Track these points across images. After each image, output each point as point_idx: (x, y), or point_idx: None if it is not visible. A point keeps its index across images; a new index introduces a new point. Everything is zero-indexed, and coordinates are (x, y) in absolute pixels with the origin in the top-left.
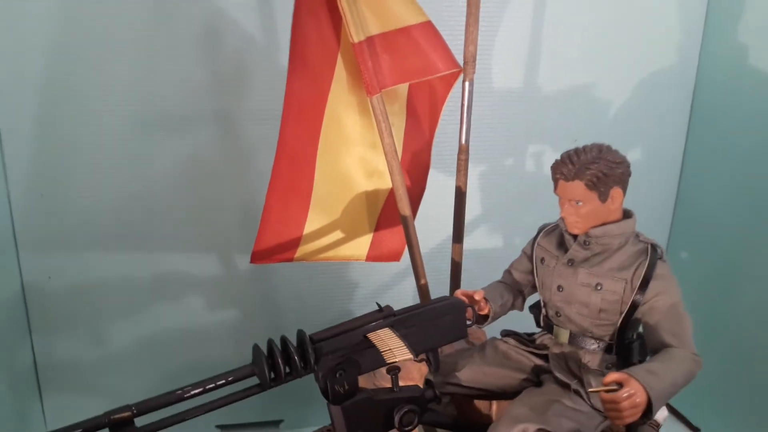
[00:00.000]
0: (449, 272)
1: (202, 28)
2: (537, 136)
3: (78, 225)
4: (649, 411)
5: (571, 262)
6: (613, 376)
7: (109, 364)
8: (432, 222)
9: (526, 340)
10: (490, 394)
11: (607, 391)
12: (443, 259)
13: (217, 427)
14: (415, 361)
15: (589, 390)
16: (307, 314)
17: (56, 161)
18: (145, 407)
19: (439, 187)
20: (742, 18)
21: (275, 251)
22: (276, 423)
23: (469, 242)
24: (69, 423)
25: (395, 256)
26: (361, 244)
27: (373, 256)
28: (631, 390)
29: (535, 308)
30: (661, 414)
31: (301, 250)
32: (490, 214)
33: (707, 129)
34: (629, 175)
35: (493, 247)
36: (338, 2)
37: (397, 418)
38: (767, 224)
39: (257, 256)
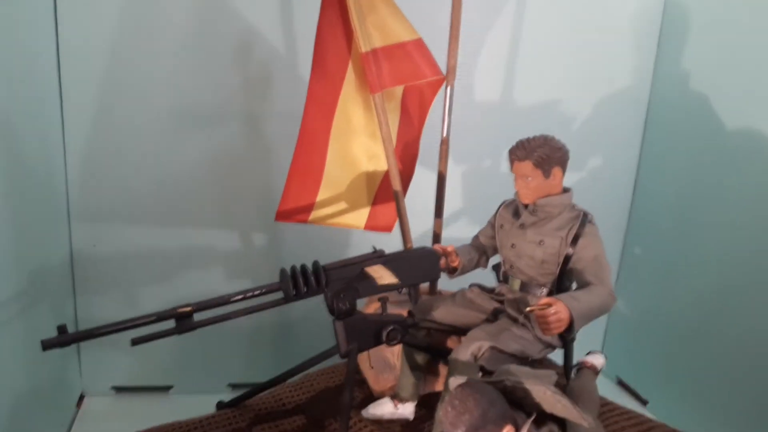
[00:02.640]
0: (431, 243)
1: (235, 42)
2: (509, 143)
3: (122, 202)
4: (571, 326)
5: (522, 226)
6: (544, 299)
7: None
8: (418, 200)
9: (487, 289)
10: (457, 330)
11: (540, 310)
12: (426, 233)
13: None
14: (398, 293)
15: (527, 309)
16: None
17: (108, 148)
18: (201, 305)
19: (426, 172)
20: (690, 42)
21: (294, 213)
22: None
23: (449, 232)
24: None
25: (388, 228)
26: (361, 215)
27: (370, 226)
28: (558, 309)
29: (496, 267)
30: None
31: (314, 214)
32: (466, 208)
33: (659, 139)
34: (567, 158)
35: (468, 237)
36: (351, 20)
37: (384, 334)
38: (711, 223)
39: (280, 216)
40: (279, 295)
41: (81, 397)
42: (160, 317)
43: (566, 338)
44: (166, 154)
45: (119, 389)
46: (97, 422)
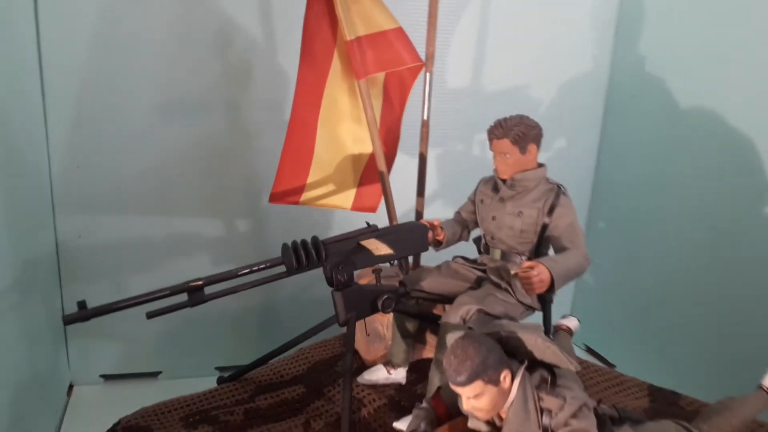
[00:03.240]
0: (413, 218)
1: (216, 32)
2: (482, 126)
3: (106, 192)
4: (552, 286)
5: (501, 199)
6: (527, 263)
7: (127, 313)
8: (399, 180)
9: (470, 260)
10: (444, 299)
11: (524, 272)
12: (407, 212)
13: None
14: (390, 265)
15: (512, 272)
16: None
17: (90, 138)
18: (211, 279)
19: (405, 154)
20: (645, 30)
21: (286, 195)
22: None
23: (429, 210)
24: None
25: (372, 209)
26: (348, 196)
27: (356, 207)
28: (539, 270)
29: (477, 240)
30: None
31: (304, 195)
32: (443, 188)
33: (618, 120)
34: (541, 136)
35: (447, 214)
36: (336, 10)
37: (379, 303)
38: (667, 198)
39: (274, 198)
40: (282, 268)
41: (70, 387)
42: (174, 291)
43: (546, 299)
44: (149, 143)
45: (108, 377)
46: (88, 410)
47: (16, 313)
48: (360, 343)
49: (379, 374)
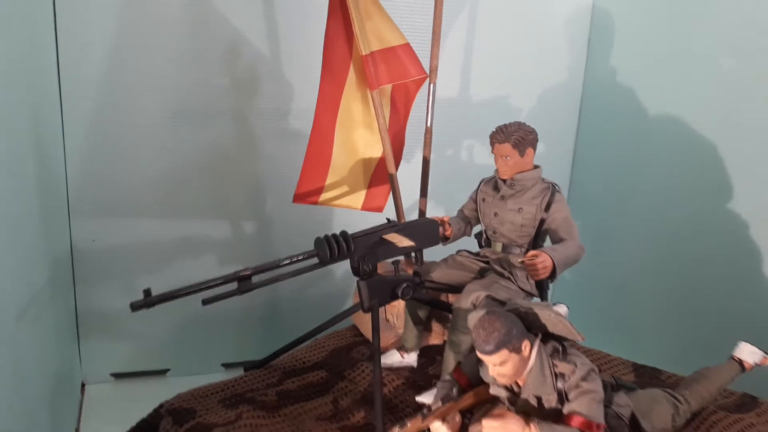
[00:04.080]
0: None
1: (225, 46)
2: (470, 133)
3: (119, 197)
4: (554, 272)
5: (502, 197)
6: (532, 252)
7: (138, 313)
8: (401, 182)
9: (473, 253)
10: (452, 288)
11: (530, 260)
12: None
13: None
14: (407, 257)
15: (519, 260)
16: None
17: (105, 146)
18: (257, 269)
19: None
20: (616, 43)
21: (307, 196)
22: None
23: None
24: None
25: (380, 209)
26: (359, 197)
27: (366, 207)
28: (543, 258)
29: (478, 235)
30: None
31: (323, 196)
32: (436, 192)
33: (592, 126)
34: (537, 140)
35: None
36: (353, 27)
37: (399, 291)
38: (637, 202)
39: (297, 198)
40: (314, 260)
41: (82, 385)
42: (226, 280)
43: (543, 286)
44: (161, 150)
45: (118, 375)
46: (102, 408)
47: (34, 313)
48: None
49: (393, 358)
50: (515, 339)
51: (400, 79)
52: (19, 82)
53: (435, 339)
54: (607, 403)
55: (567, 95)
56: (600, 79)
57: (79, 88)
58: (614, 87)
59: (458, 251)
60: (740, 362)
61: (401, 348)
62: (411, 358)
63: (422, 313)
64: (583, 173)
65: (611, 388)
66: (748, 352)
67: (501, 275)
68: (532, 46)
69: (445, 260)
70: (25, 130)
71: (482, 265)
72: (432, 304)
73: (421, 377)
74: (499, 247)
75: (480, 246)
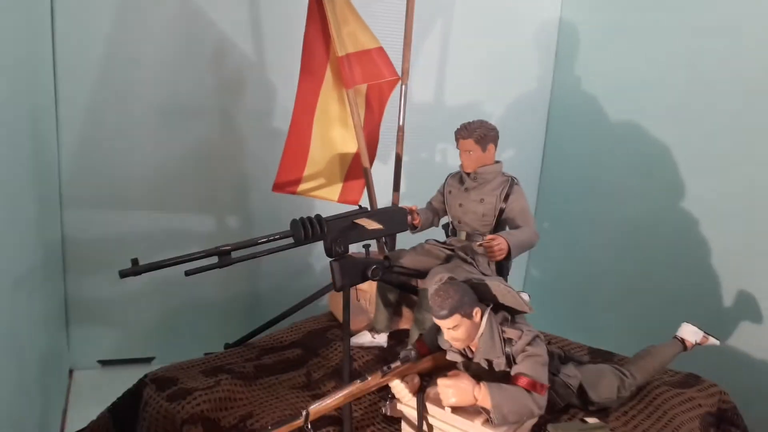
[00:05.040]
0: None
1: (212, 48)
2: (443, 136)
3: (109, 190)
4: (509, 254)
5: (466, 189)
6: (489, 236)
7: (126, 302)
8: (376, 177)
9: (440, 242)
10: (419, 274)
11: (488, 242)
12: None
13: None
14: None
15: (477, 244)
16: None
17: (97, 140)
18: (236, 246)
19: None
20: (581, 54)
21: (285, 185)
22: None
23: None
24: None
25: (355, 201)
26: (335, 190)
27: (342, 199)
28: (499, 241)
29: (445, 226)
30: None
31: (301, 187)
32: (410, 188)
33: (559, 132)
34: (498, 137)
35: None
36: (330, 30)
37: (369, 272)
38: (603, 206)
39: (276, 187)
40: (290, 240)
41: (70, 372)
42: (207, 254)
43: (504, 271)
44: (150, 146)
45: (105, 362)
46: (90, 393)
47: (26, 298)
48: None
49: (364, 338)
50: (467, 305)
51: (373, 79)
52: (16, 83)
53: (405, 323)
54: (555, 372)
55: (535, 102)
56: (567, 86)
57: (74, 84)
58: (580, 95)
59: (426, 240)
60: (683, 341)
61: (372, 329)
62: (381, 339)
63: (392, 297)
64: (551, 177)
65: (559, 358)
66: (689, 332)
67: (464, 261)
68: (502, 56)
69: (414, 248)
70: (22, 126)
71: (448, 252)
72: (400, 286)
73: (389, 355)
74: (463, 235)
75: (446, 235)
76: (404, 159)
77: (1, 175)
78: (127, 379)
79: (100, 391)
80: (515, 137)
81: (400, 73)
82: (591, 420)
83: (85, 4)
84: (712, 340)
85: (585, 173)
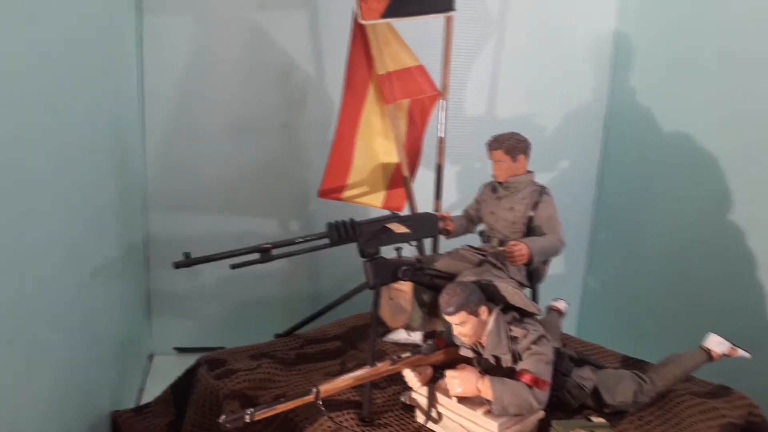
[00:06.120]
0: None
1: (279, 70)
2: None
3: (189, 195)
4: (531, 260)
5: (498, 198)
6: (512, 242)
7: (201, 296)
8: (421, 187)
9: (475, 248)
10: (453, 277)
11: (509, 248)
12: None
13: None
14: (410, 244)
15: (500, 248)
16: (335, 259)
17: (179, 152)
18: (276, 244)
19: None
20: (637, 65)
21: (330, 192)
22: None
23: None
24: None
25: (399, 208)
26: (379, 197)
27: (386, 206)
28: (520, 246)
29: (481, 232)
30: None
31: (345, 194)
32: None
33: (616, 145)
34: (529, 148)
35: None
36: (371, 51)
37: (400, 273)
38: (660, 215)
39: (321, 194)
40: (326, 241)
41: (151, 356)
42: (249, 251)
43: (533, 278)
44: (224, 157)
45: (180, 350)
46: (165, 376)
47: (118, 289)
48: (386, 315)
49: (400, 335)
50: (473, 304)
51: (413, 95)
52: (116, 102)
53: (441, 325)
54: (567, 372)
55: (590, 115)
56: (623, 99)
57: (159, 104)
58: (637, 107)
59: (462, 246)
60: (708, 351)
61: (408, 327)
62: (416, 337)
63: (426, 297)
64: (609, 190)
65: (571, 359)
66: (715, 342)
67: (494, 266)
68: (556, 69)
69: (449, 252)
70: (113, 145)
71: (481, 257)
72: (430, 286)
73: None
74: (495, 242)
75: (482, 242)
76: (455, 168)
77: (93, 184)
78: None
79: (173, 375)
80: (570, 150)
81: (440, 89)
82: (596, 419)
83: (170, 35)
84: (741, 352)
85: (642, 185)
